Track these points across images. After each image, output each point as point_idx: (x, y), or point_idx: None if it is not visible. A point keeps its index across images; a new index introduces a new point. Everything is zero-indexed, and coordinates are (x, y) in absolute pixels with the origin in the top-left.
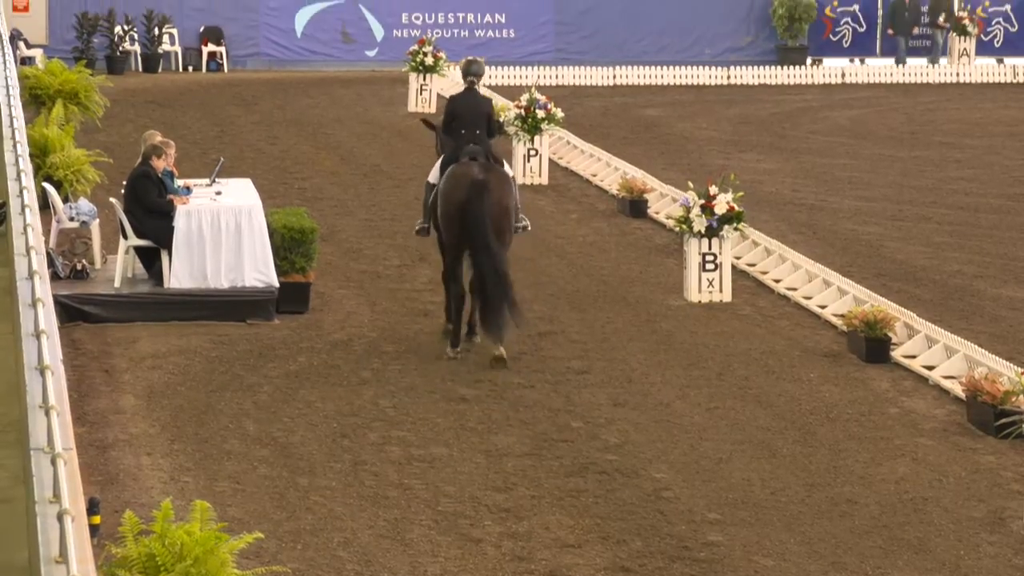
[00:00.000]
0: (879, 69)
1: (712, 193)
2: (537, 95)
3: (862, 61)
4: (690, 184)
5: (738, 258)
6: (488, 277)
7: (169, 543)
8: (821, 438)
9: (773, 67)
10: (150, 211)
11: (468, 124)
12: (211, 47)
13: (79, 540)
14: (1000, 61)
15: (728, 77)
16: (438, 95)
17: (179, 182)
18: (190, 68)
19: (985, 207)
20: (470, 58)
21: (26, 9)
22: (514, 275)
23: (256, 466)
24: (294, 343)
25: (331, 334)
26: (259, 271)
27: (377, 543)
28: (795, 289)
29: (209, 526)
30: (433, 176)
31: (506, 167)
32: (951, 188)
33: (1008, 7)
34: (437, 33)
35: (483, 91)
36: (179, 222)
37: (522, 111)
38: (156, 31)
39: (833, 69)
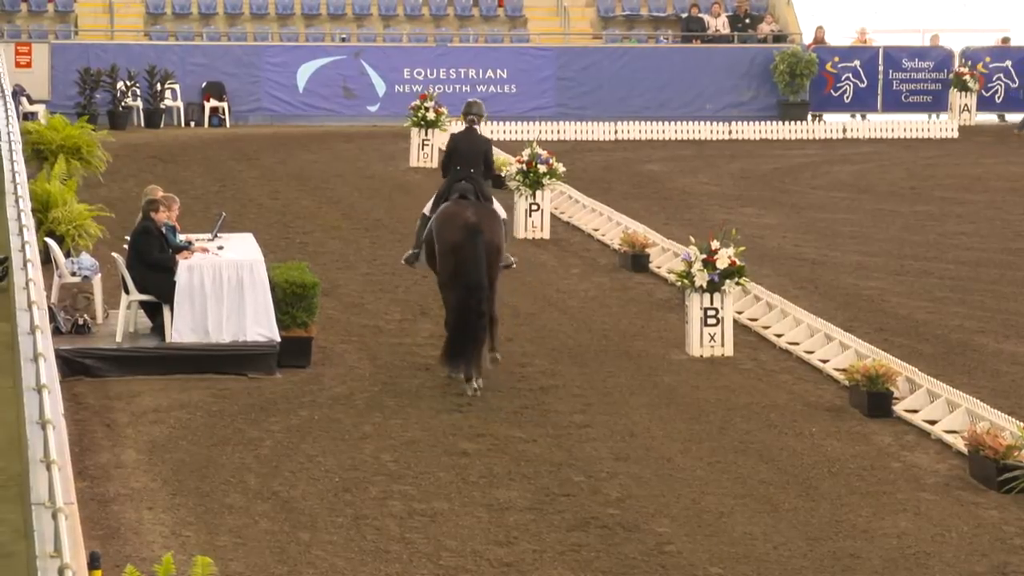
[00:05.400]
0: (880, 124)
1: (714, 248)
2: (539, 150)
3: (863, 116)
4: (692, 239)
5: (740, 313)
6: (471, 314)
7: None
8: (823, 492)
9: (774, 122)
10: (152, 266)
11: (464, 161)
12: (213, 102)
13: None
14: (1001, 117)
15: (729, 132)
16: (440, 150)
17: (181, 237)
18: (192, 123)
19: (986, 262)
20: (471, 100)
21: (29, 65)
22: (515, 330)
23: (257, 520)
24: (295, 397)
25: (332, 388)
26: (261, 325)
27: None
28: (797, 344)
29: None
30: (428, 208)
31: (496, 205)
32: (952, 243)
33: (1009, 63)
34: (439, 88)
35: (482, 132)
36: (181, 277)
37: (524, 166)
38: (158, 86)
39: (834, 124)
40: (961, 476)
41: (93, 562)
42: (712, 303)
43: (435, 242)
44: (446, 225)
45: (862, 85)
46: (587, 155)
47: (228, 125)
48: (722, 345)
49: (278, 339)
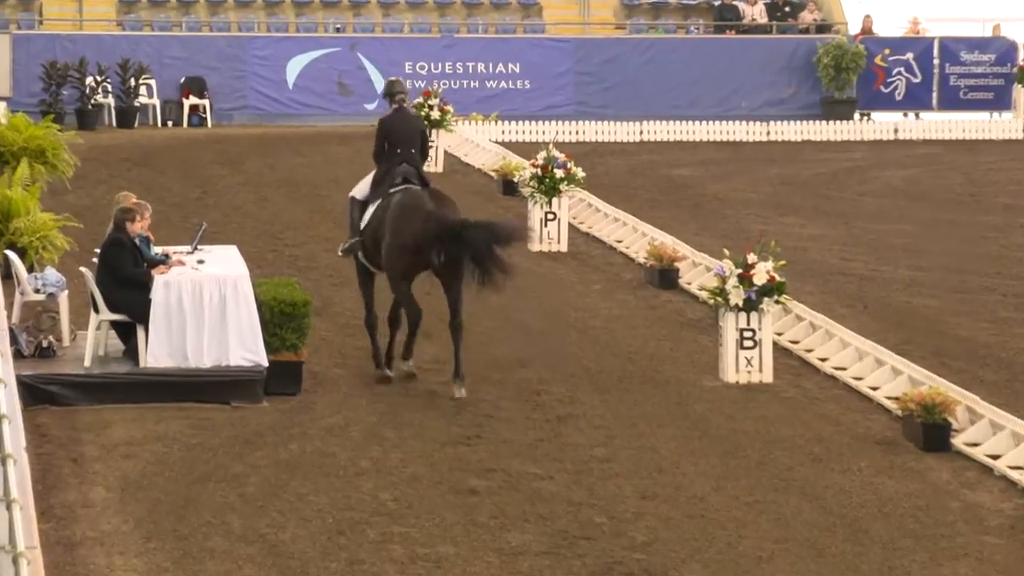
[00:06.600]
0: (936, 124)
1: (750, 262)
2: (555, 153)
3: (917, 115)
4: (726, 251)
5: (780, 334)
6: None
7: None
8: (874, 535)
9: (818, 122)
10: (124, 282)
11: (402, 143)
12: (193, 100)
13: None
14: None
15: (767, 133)
16: (446, 153)
17: (156, 249)
18: (169, 123)
19: None
20: (392, 79)
21: None
22: (528, 352)
23: (242, 566)
24: (284, 429)
25: (325, 418)
26: (246, 348)
27: None
28: (844, 369)
29: None
30: (359, 192)
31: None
32: (1017, 256)
33: None
34: (444, 84)
35: (412, 111)
36: (157, 294)
37: (539, 170)
38: (132, 82)
39: (885, 124)
40: None
41: None
42: (749, 323)
43: (388, 234)
44: (405, 218)
45: (915, 80)
46: (609, 158)
47: (210, 125)
48: (760, 370)
49: (265, 363)
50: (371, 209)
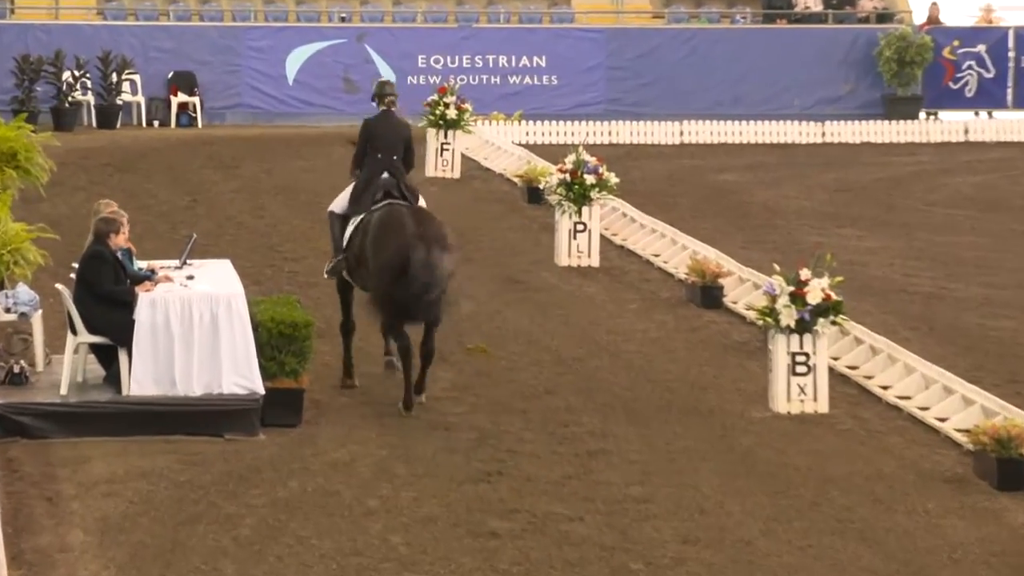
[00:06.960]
0: (1011, 124)
1: (803, 278)
2: (585, 156)
3: (990, 114)
4: (776, 267)
5: (836, 359)
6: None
7: None
8: None
9: (878, 122)
10: (105, 300)
11: (384, 149)
12: (182, 97)
13: None
14: None
15: (822, 134)
16: (462, 156)
17: (141, 264)
18: (156, 123)
19: None
20: (382, 79)
21: None
22: (557, 380)
23: None
24: (283, 464)
25: (329, 452)
26: (240, 374)
27: None
28: (908, 398)
29: None
30: (339, 206)
31: (421, 201)
32: None
33: None
34: (462, 79)
35: (400, 115)
36: (141, 314)
37: (567, 176)
38: (114, 77)
39: (954, 124)
40: None
41: None
42: (802, 347)
43: (370, 257)
44: (389, 241)
45: (988, 75)
46: (645, 162)
47: (200, 125)
48: (814, 399)
49: (261, 391)
50: (352, 225)
